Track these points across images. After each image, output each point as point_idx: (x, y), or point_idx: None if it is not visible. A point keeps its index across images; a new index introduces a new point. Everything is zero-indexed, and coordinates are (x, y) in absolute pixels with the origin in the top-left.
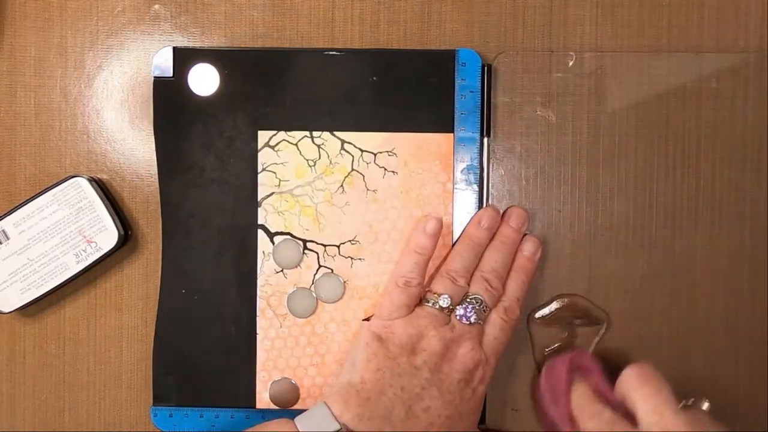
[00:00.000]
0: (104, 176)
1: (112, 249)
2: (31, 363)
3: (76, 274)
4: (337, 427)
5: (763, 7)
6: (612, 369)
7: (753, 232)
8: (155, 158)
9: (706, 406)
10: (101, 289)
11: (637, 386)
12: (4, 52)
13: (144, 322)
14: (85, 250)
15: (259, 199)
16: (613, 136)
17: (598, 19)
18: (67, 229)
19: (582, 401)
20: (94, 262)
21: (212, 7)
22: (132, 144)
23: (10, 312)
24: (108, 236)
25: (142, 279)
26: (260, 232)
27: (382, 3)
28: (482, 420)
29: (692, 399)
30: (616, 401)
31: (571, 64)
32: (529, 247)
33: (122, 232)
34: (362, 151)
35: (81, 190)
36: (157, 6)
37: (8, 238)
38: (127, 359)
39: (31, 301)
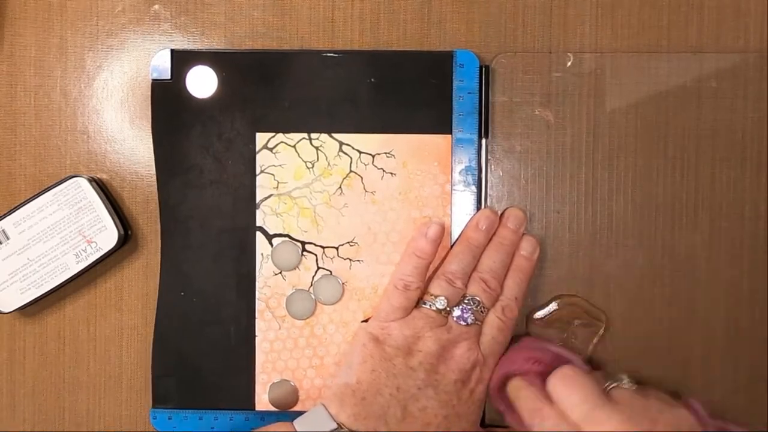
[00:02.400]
0: (104, 176)
1: (112, 249)
2: (31, 363)
3: (76, 274)
4: (334, 426)
5: (763, 7)
6: (611, 370)
7: (753, 232)
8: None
9: (626, 382)
10: (101, 289)
11: (564, 394)
12: (4, 52)
13: (144, 322)
14: (85, 250)
15: (257, 201)
16: (613, 136)
17: (597, 20)
18: (67, 229)
19: (523, 393)
20: (94, 262)
21: (212, 7)
22: (132, 144)
23: (10, 312)
24: (108, 236)
25: (142, 279)
26: (259, 234)
27: (382, 3)
28: (482, 421)
29: (612, 383)
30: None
31: (569, 64)
32: (527, 247)
33: (122, 232)
34: (360, 152)
35: (81, 190)
36: (157, 6)
37: (8, 238)
38: (127, 359)
39: (31, 301)
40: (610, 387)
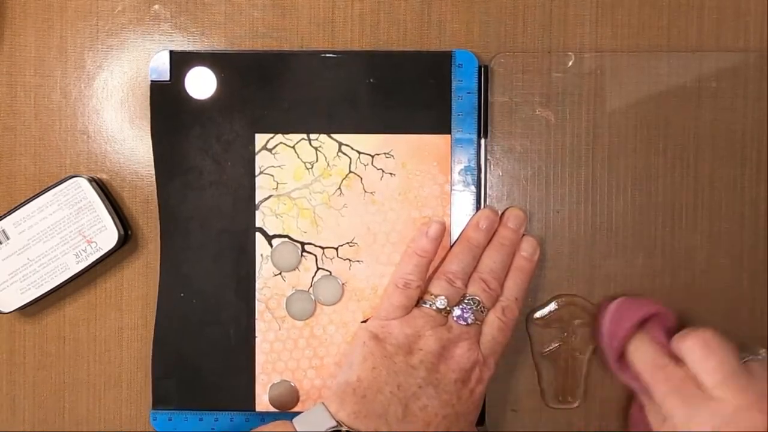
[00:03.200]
0: (104, 176)
1: (112, 249)
2: (31, 363)
3: (76, 274)
4: (333, 424)
5: (763, 7)
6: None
7: (752, 231)
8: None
9: (763, 355)
10: (101, 289)
11: (701, 357)
12: (4, 52)
13: (144, 322)
14: (85, 250)
15: (256, 202)
16: (613, 136)
17: (597, 19)
18: (67, 229)
19: (645, 349)
20: (94, 262)
21: (212, 7)
22: (132, 144)
23: (10, 312)
24: (108, 236)
25: (142, 279)
26: (258, 235)
27: (382, 3)
28: (482, 421)
29: (750, 356)
30: (675, 358)
31: (570, 64)
32: (527, 248)
33: (122, 232)
34: (360, 153)
35: (81, 190)
36: (157, 6)
37: (8, 238)
38: (127, 359)
39: (31, 301)
40: (747, 360)
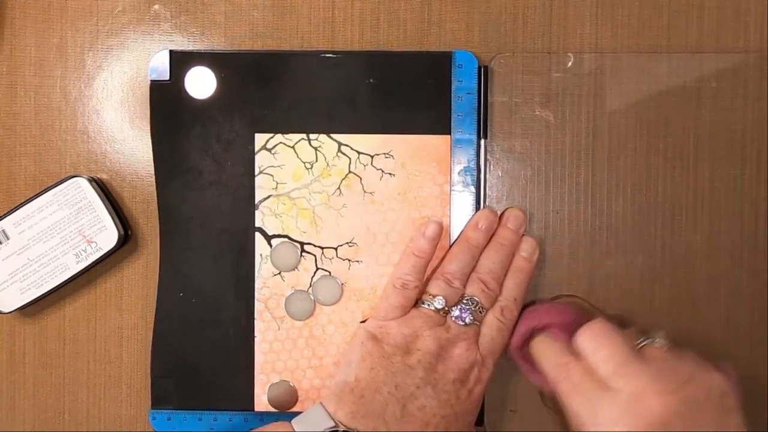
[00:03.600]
0: (104, 176)
1: (112, 249)
2: (31, 363)
3: (76, 274)
4: (332, 424)
5: (763, 7)
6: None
7: (752, 231)
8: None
9: (659, 340)
10: (101, 289)
11: (593, 348)
12: (4, 52)
13: (144, 322)
14: (85, 250)
15: (256, 202)
16: (612, 136)
17: (597, 20)
18: (67, 229)
19: (546, 348)
20: (94, 262)
21: (212, 7)
22: (132, 144)
23: (10, 312)
24: (108, 236)
25: (142, 279)
26: (258, 235)
27: (382, 3)
28: (481, 421)
29: (645, 340)
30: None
31: (570, 64)
32: (526, 248)
33: (122, 232)
34: (359, 153)
35: (81, 190)
36: (157, 6)
37: (8, 238)
38: (127, 359)
39: (31, 301)
40: (642, 344)
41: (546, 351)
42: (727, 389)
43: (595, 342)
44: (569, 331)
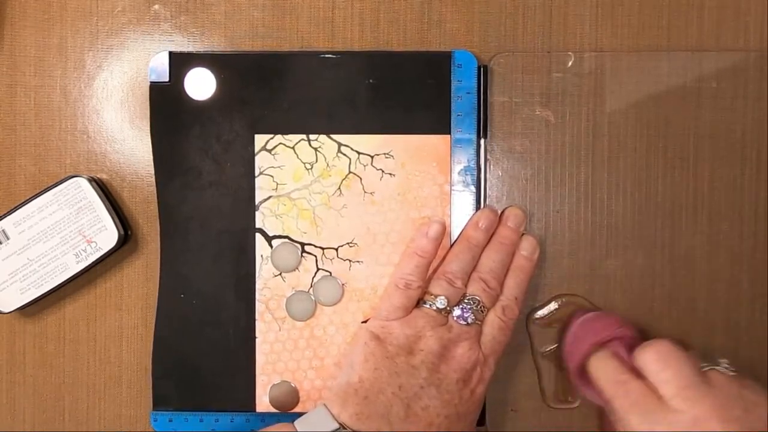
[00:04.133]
0: (104, 176)
1: (112, 249)
2: (31, 363)
3: (76, 274)
4: (336, 426)
5: (763, 7)
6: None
7: (752, 231)
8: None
9: (723, 366)
10: (101, 289)
11: (657, 368)
12: (4, 52)
13: (144, 322)
14: (85, 250)
15: (256, 203)
16: (612, 136)
17: (597, 19)
18: (67, 229)
19: (605, 365)
20: (94, 262)
21: (212, 7)
22: (132, 144)
23: (10, 312)
24: (108, 236)
25: (142, 279)
26: (258, 236)
27: (382, 3)
28: (482, 421)
29: (710, 365)
30: (637, 373)
31: (570, 64)
32: (527, 247)
33: (122, 232)
34: (359, 153)
35: (81, 190)
36: (157, 6)
37: (8, 238)
38: (127, 359)
39: (31, 301)
40: (707, 368)
41: (605, 367)
42: None
43: (660, 361)
44: (628, 346)
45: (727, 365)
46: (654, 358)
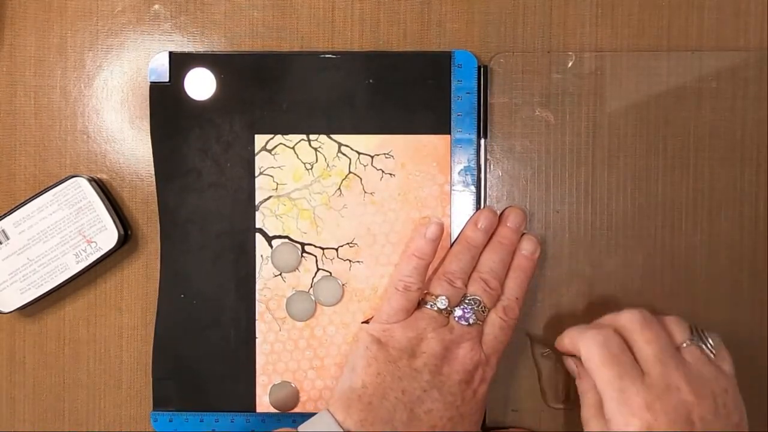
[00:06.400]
0: (104, 176)
1: (112, 249)
2: (31, 363)
3: (76, 274)
4: None
5: (763, 7)
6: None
7: (752, 231)
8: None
9: (714, 338)
10: (101, 289)
11: (641, 327)
12: (4, 52)
13: (144, 322)
14: (85, 250)
15: (256, 203)
16: (613, 136)
17: (597, 19)
18: (67, 229)
19: (584, 326)
20: (94, 262)
21: (212, 7)
22: (132, 144)
23: (10, 312)
24: (108, 236)
25: (142, 279)
26: (258, 236)
27: (382, 3)
28: (483, 422)
29: (697, 337)
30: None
31: (570, 64)
32: (527, 246)
33: (122, 232)
34: (359, 153)
35: (81, 190)
36: (156, 6)
37: (8, 238)
38: (127, 359)
39: (31, 301)
40: (689, 343)
41: (584, 327)
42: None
43: (644, 321)
44: None
45: (716, 339)
46: (638, 316)
